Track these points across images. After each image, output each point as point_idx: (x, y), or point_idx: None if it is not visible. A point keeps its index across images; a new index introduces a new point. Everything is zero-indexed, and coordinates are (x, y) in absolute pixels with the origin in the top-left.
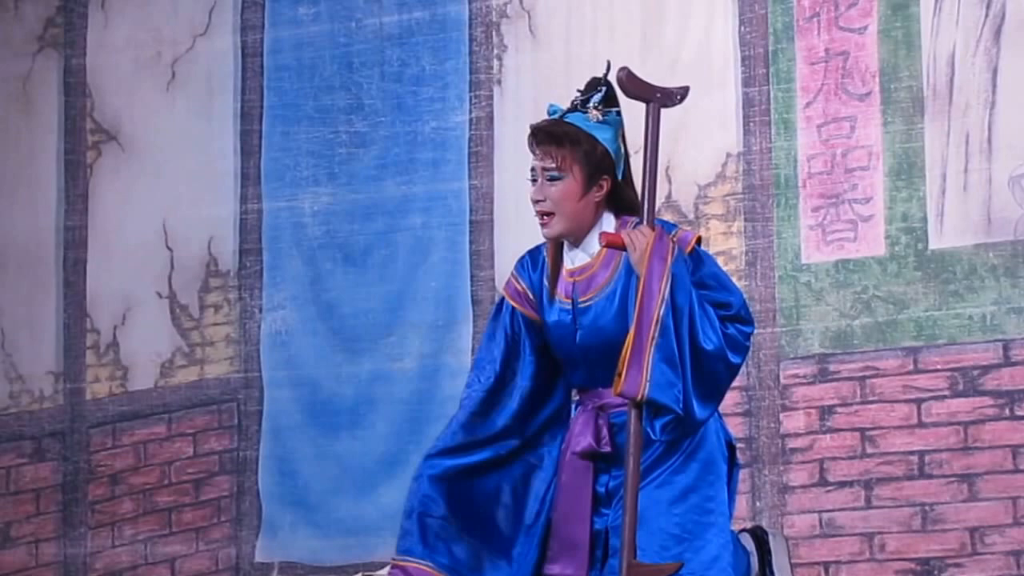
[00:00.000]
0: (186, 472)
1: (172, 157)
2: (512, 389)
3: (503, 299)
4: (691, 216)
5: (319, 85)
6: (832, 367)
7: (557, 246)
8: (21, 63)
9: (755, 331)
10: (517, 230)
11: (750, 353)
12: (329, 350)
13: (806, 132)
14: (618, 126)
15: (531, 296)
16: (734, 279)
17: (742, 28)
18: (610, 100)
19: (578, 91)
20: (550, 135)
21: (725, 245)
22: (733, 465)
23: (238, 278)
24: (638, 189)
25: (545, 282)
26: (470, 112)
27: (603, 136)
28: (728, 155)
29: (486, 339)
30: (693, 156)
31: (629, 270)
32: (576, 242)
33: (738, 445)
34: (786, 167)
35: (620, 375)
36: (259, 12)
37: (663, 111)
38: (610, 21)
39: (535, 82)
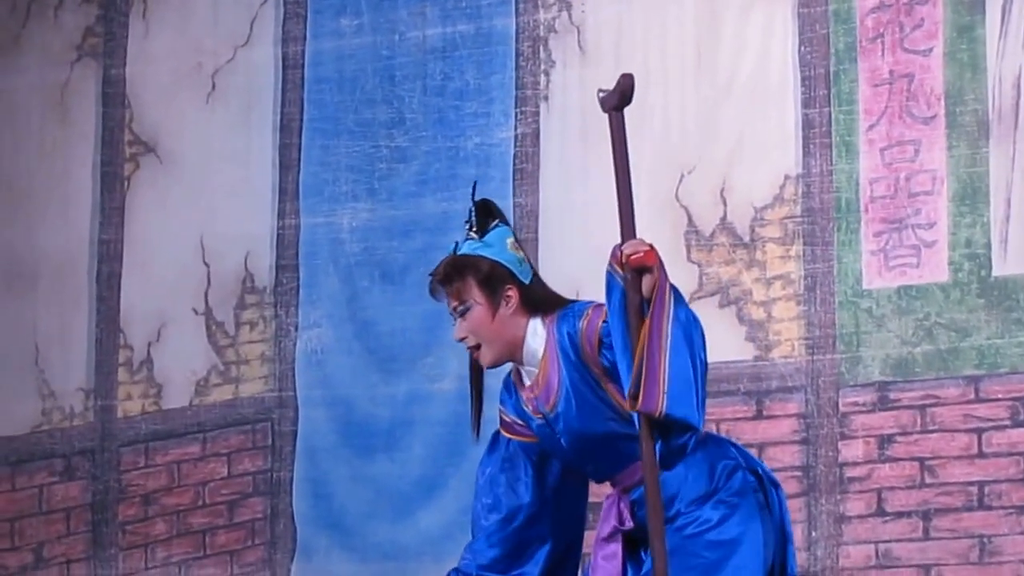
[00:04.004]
0: (220, 493)
1: (210, 170)
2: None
3: (497, 432)
4: (747, 239)
5: (360, 98)
6: (892, 395)
7: (515, 369)
8: (59, 72)
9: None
10: (562, 249)
11: (809, 380)
12: (365, 370)
13: (868, 155)
14: (502, 236)
15: (520, 421)
16: (792, 304)
17: (802, 48)
18: (484, 218)
19: (466, 221)
20: (440, 277)
21: (782, 269)
22: (770, 487)
23: (274, 295)
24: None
25: (522, 404)
26: (515, 128)
27: (487, 252)
28: (786, 177)
29: (487, 478)
30: (749, 177)
31: (568, 363)
32: (519, 360)
33: (794, 474)
34: (847, 190)
35: (635, 396)
36: (301, 23)
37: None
38: (662, 37)
39: (583, 99)
